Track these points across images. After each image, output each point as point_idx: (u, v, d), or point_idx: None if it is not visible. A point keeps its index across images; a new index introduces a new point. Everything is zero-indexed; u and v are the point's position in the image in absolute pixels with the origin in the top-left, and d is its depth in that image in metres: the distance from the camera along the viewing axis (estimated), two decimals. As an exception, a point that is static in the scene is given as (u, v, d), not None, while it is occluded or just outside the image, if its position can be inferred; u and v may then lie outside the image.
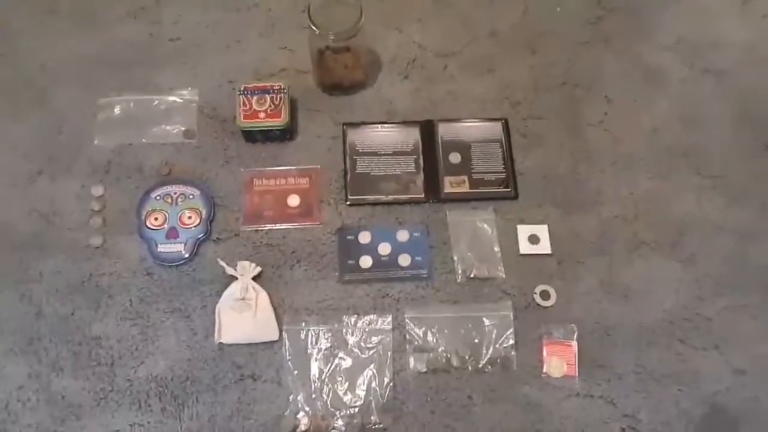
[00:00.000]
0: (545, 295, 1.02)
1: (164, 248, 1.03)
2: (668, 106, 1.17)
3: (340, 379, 0.97)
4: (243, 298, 0.99)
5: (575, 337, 0.99)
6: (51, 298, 1.01)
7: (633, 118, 1.16)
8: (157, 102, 1.15)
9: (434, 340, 0.99)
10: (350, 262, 1.04)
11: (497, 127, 1.14)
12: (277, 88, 1.09)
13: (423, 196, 1.09)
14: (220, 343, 0.99)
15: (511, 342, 0.99)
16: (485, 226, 1.06)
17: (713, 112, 1.17)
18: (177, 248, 1.03)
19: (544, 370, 0.98)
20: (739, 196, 1.10)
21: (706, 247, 1.07)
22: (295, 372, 0.97)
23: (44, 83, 1.16)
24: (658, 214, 1.09)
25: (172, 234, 1.04)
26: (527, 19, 1.24)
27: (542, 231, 1.06)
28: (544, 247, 1.05)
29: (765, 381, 0.98)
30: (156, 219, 1.05)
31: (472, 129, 1.14)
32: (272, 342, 0.99)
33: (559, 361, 0.98)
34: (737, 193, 1.11)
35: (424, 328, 1.00)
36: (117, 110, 1.14)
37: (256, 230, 1.06)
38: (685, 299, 1.03)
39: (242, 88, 1.09)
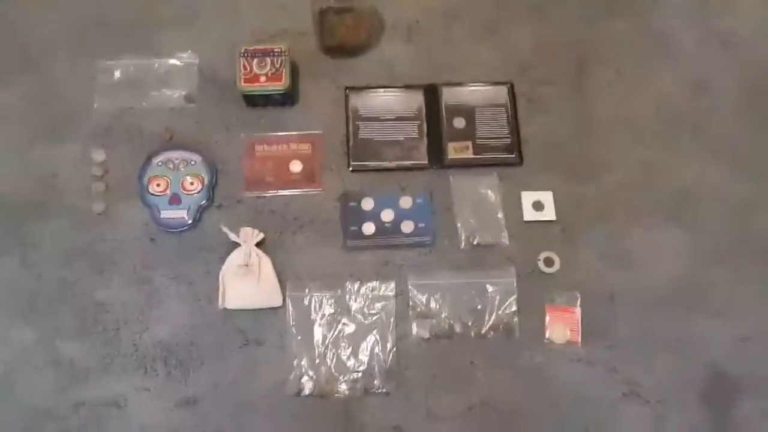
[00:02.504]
0: (549, 261, 1.02)
1: (167, 214, 1.03)
2: (676, 75, 1.15)
3: (344, 344, 0.98)
4: (246, 265, 1.00)
5: (578, 303, 0.99)
6: (53, 264, 1.02)
7: (640, 86, 1.14)
8: (157, 65, 1.13)
9: (437, 307, 0.99)
10: (353, 228, 1.04)
11: (503, 91, 1.12)
12: (278, 50, 1.07)
13: (426, 162, 1.08)
14: (224, 308, 0.99)
15: (514, 308, 0.99)
16: (489, 192, 1.06)
17: (721, 83, 1.15)
18: (180, 214, 1.03)
19: (547, 336, 0.98)
20: (743, 166, 1.09)
21: (709, 216, 1.06)
22: (299, 337, 0.98)
23: (40, 48, 1.14)
24: (663, 183, 1.08)
25: (174, 200, 1.03)
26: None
27: (547, 198, 1.05)
28: (549, 213, 1.04)
29: (767, 348, 0.99)
30: (158, 185, 1.04)
31: (476, 93, 1.12)
32: (276, 308, 1.00)
33: (562, 327, 0.98)
34: (741, 163, 1.10)
35: (427, 295, 1.00)
36: (117, 74, 1.12)
37: (259, 197, 1.06)
38: (688, 267, 1.03)
39: (242, 51, 1.07)
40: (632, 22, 1.19)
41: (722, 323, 1.00)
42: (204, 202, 1.04)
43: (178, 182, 1.04)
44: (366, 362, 0.97)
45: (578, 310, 0.99)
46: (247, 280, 0.99)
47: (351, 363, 0.97)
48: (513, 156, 1.08)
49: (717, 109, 1.13)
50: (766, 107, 1.13)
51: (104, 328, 0.99)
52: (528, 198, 1.05)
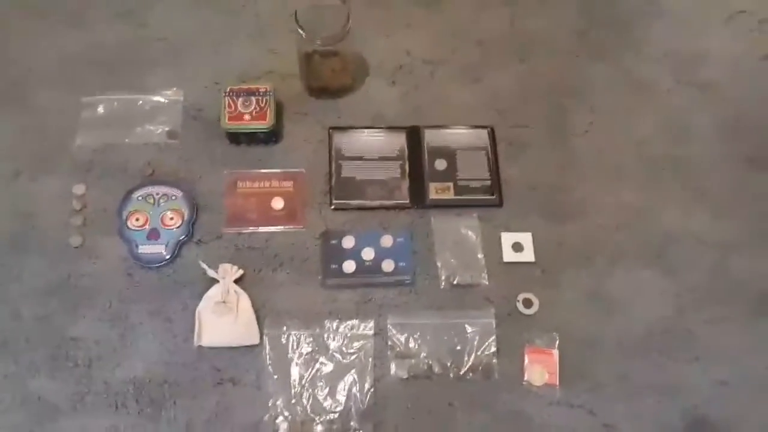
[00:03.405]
0: (528, 303, 1.02)
1: (145, 249, 1.02)
2: (654, 118, 1.18)
3: (321, 384, 0.96)
4: (224, 301, 0.98)
5: (557, 345, 0.99)
6: (29, 299, 1.00)
7: (619, 129, 1.16)
8: (141, 102, 1.14)
9: (416, 347, 0.98)
10: (333, 266, 1.03)
11: (483, 134, 1.14)
12: (263, 90, 1.09)
13: (408, 201, 1.09)
14: (200, 346, 0.98)
15: (493, 349, 0.98)
16: (469, 233, 1.06)
17: (698, 125, 1.18)
18: (158, 249, 1.02)
19: (526, 378, 0.97)
20: (722, 209, 1.11)
21: (689, 259, 1.07)
22: (276, 376, 0.96)
23: (28, 83, 1.15)
24: (642, 226, 1.09)
25: (153, 235, 1.03)
26: (515, 28, 1.25)
27: (526, 239, 1.06)
28: (528, 255, 1.05)
29: (746, 393, 0.99)
30: (137, 219, 1.04)
31: (458, 136, 1.14)
32: (253, 346, 0.98)
33: (540, 369, 0.98)
34: (721, 206, 1.11)
35: (406, 334, 0.99)
36: (100, 109, 1.13)
37: (239, 233, 1.05)
38: (667, 311, 1.03)
39: (227, 90, 1.08)
40: (612, 67, 1.22)
41: (702, 367, 1.00)
42: (183, 237, 1.03)
43: (157, 217, 1.04)
44: (343, 402, 0.95)
45: (556, 352, 0.98)
46: (224, 318, 0.98)
47: (328, 403, 0.95)
48: (493, 197, 1.09)
49: (696, 152, 1.15)
50: (743, 151, 1.16)
51: (76, 364, 0.96)
52: (508, 239, 1.06)
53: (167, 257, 1.02)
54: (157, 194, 1.05)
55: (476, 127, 1.15)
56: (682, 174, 1.13)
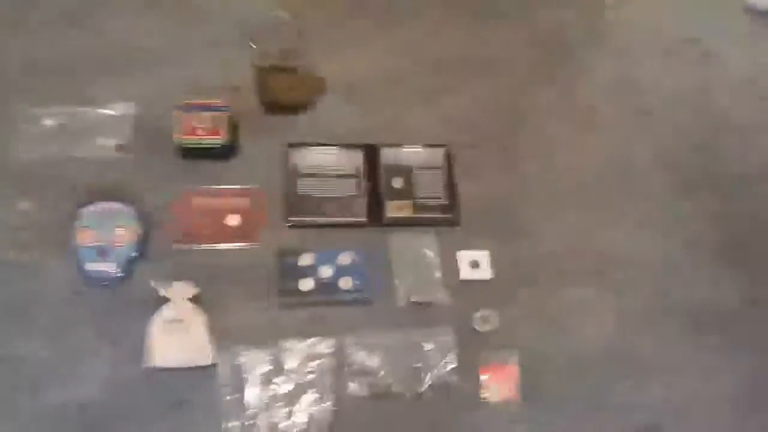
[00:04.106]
0: (485, 320, 1.03)
1: (94, 267, 0.98)
2: (600, 143, 1.22)
3: (279, 404, 0.94)
4: (176, 320, 0.96)
5: (515, 361, 1.00)
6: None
7: (567, 152, 1.20)
8: (89, 114, 1.10)
9: (375, 365, 0.98)
10: (290, 284, 1.02)
11: (439, 153, 1.15)
12: (217, 105, 1.07)
13: (365, 219, 1.09)
14: (151, 366, 0.94)
15: (452, 366, 0.99)
16: (427, 251, 1.07)
17: (639, 151, 1.23)
18: (108, 267, 0.98)
19: (484, 395, 0.98)
20: (661, 232, 1.15)
21: (634, 278, 1.10)
22: (230, 398, 0.93)
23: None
24: (587, 247, 1.12)
25: (102, 252, 0.99)
26: (471, 50, 1.28)
27: (483, 257, 1.07)
28: (485, 272, 1.06)
29: (692, 409, 1.01)
30: (87, 236, 0.99)
31: (414, 155, 1.15)
32: (206, 366, 0.95)
33: (498, 385, 0.98)
34: (660, 228, 1.15)
35: (364, 352, 0.98)
36: (46, 122, 1.09)
37: (193, 250, 1.03)
38: (616, 328, 1.06)
39: (182, 104, 1.06)
40: (560, 92, 1.26)
41: (647, 384, 1.02)
42: (134, 254, 1.00)
43: (107, 234, 1.00)
44: (303, 423, 0.93)
45: (515, 368, 0.99)
46: (176, 337, 0.95)
47: (286, 425, 0.93)
48: (450, 216, 1.10)
49: (636, 175, 1.20)
50: (682, 175, 1.21)
51: (18, 387, 0.91)
52: (464, 257, 1.07)
53: (117, 275, 0.98)
54: (107, 211, 1.02)
55: (432, 146, 1.16)
56: (624, 197, 1.18)
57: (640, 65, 1.33)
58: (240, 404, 0.93)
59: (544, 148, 1.20)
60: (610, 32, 1.36)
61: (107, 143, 1.08)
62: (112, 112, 1.11)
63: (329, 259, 1.04)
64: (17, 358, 0.93)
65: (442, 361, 0.99)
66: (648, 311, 1.08)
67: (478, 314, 1.03)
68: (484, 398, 0.98)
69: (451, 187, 1.13)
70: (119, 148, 1.08)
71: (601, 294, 1.08)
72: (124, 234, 1.00)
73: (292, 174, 1.10)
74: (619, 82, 1.30)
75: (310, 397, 0.94)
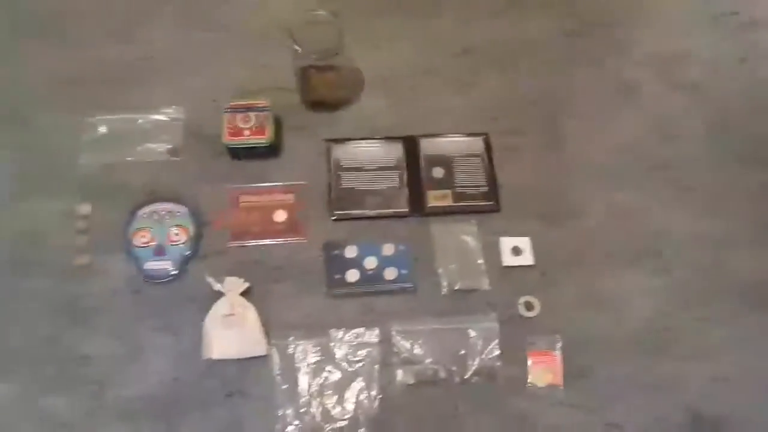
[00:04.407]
0: (529, 306, 1.04)
1: (152, 266, 1.04)
2: (643, 120, 1.20)
3: (329, 392, 0.98)
4: (231, 314, 1.00)
5: (559, 346, 1.01)
6: (38, 319, 1.01)
7: (609, 132, 1.19)
8: (141, 120, 1.15)
9: (421, 353, 1.00)
10: (337, 276, 1.05)
11: (478, 141, 1.16)
12: (261, 105, 1.11)
13: (407, 210, 1.11)
14: (209, 359, 0.99)
15: (497, 353, 1.00)
16: (469, 238, 1.08)
17: (686, 126, 1.21)
18: (164, 265, 1.04)
19: (529, 380, 0.99)
20: (712, 207, 1.13)
21: (682, 257, 1.09)
22: (284, 387, 0.98)
23: (28, 105, 1.17)
24: (635, 226, 1.11)
25: (159, 251, 1.04)
26: (505, 34, 1.27)
27: (525, 243, 1.08)
28: (527, 258, 1.07)
29: (745, 388, 1.01)
30: (143, 237, 1.05)
31: (453, 144, 1.16)
32: (260, 357, 1.00)
33: (543, 370, 1.00)
34: (711, 204, 1.14)
35: (411, 341, 1.01)
36: (101, 130, 1.14)
37: (243, 246, 1.07)
38: (664, 308, 1.05)
39: (227, 107, 1.10)
40: (600, 71, 1.25)
41: (697, 364, 1.02)
42: (189, 252, 1.05)
43: (163, 233, 1.06)
44: (352, 410, 0.97)
45: (558, 353, 1.01)
46: (231, 330, 1.00)
47: (336, 411, 0.97)
48: (491, 203, 1.11)
49: (684, 151, 1.18)
50: (730, 149, 1.18)
51: (87, 381, 0.98)
52: (506, 244, 1.08)
53: (174, 273, 1.04)
54: (162, 211, 1.07)
55: (471, 134, 1.17)
56: (671, 174, 1.16)
57: (684, 38, 1.29)
58: (293, 392, 0.98)
59: (586, 128, 1.19)
60: (651, 6, 1.33)
61: (159, 147, 1.13)
62: (162, 118, 1.16)
63: (373, 251, 1.07)
64: (85, 357, 0.99)
65: (487, 347, 1.01)
66: (699, 290, 1.07)
67: (521, 300, 1.04)
68: (530, 383, 0.99)
69: (491, 174, 1.13)
70: (171, 151, 1.13)
71: (650, 274, 1.08)
72: (178, 233, 1.06)
73: (335, 169, 1.13)
74: (663, 57, 1.27)
75: (358, 385, 0.98)
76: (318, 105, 1.18)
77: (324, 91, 1.16)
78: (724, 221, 1.12)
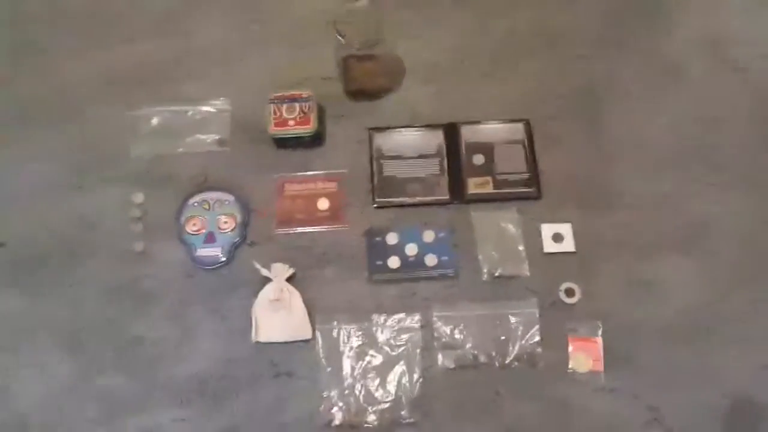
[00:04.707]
0: (570, 292, 1.05)
1: (203, 252, 1.08)
2: (688, 104, 1.18)
3: (371, 375, 1.01)
4: (277, 299, 1.04)
5: (600, 333, 1.01)
6: (96, 301, 1.07)
7: (653, 117, 1.18)
8: (191, 112, 1.19)
9: (461, 338, 1.02)
10: (378, 262, 1.08)
11: (519, 128, 1.16)
12: (305, 96, 1.13)
13: (448, 197, 1.12)
14: (257, 342, 1.03)
15: (537, 339, 1.01)
16: (509, 225, 1.09)
17: (733, 110, 1.18)
18: (215, 252, 1.08)
19: (570, 366, 1.00)
20: (759, 193, 1.11)
21: (727, 243, 1.08)
22: (329, 369, 1.01)
23: (81, 98, 1.22)
24: (678, 212, 1.10)
25: (209, 238, 1.09)
26: (545, 19, 1.27)
27: (566, 229, 1.08)
28: (568, 245, 1.07)
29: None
30: (194, 224, 1.10)
31: (494, 130, 1.17)
32: (306, 340, 1.03)
33: (584, 356, 1.00)
34: (755, 188, 1.12)
35: (451, 326, 1.03)
36: (153, 122, 1.19)
37: (288, 233, 1.11)
38: (707, 294, 1.05)
39: (272, 98, 1.13)
40: (643, 53, 1.23)
41: (743, 350, 1.01)
42: (237, 239, 1.09)
43: (213, 222, 1.10)
44: (393, 393, 1.00)
45: (600, 339, 1.01)
46: (278, 314, 1.03)
47: (379, 394, 1.00)
48: (532, 190, 1.12)
49: (730, 137, 1.16)
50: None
51: (142, 361, 1.03)
52: (547, 230, 1.09)
53: (223, 259, 1.08)
54: (212, 200, 1.11)
55: (512, 120, 1.17)
56: (717, 159, 1.14)
57: (731, 20, 1.26)
58: (338, 375, 1.01)
59: (628, 113, 1.18)
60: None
61: (208, 138, 1.17)
62: (210, 109, 1.19)
63: (414, 237, 1.09)
64: (140, 338, 1.05)
65: (527, 333, 1.02)
66: (742, 277, 1.06)
67: (562, 286, 1.05)
68: (571, 369, 1.00)
69: (531, 160, 1.14)
70: (219, 142, 1.17)
71: (693, 259, 1.07)
72: (227, 221, 1.10)
73: (377, 157, 1.15)
74: (707, 39, 1.24)
75: (400, 368, 1.01)
76: (359, 94, 1.20)
77: (364, 80, 1.17)
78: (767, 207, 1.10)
